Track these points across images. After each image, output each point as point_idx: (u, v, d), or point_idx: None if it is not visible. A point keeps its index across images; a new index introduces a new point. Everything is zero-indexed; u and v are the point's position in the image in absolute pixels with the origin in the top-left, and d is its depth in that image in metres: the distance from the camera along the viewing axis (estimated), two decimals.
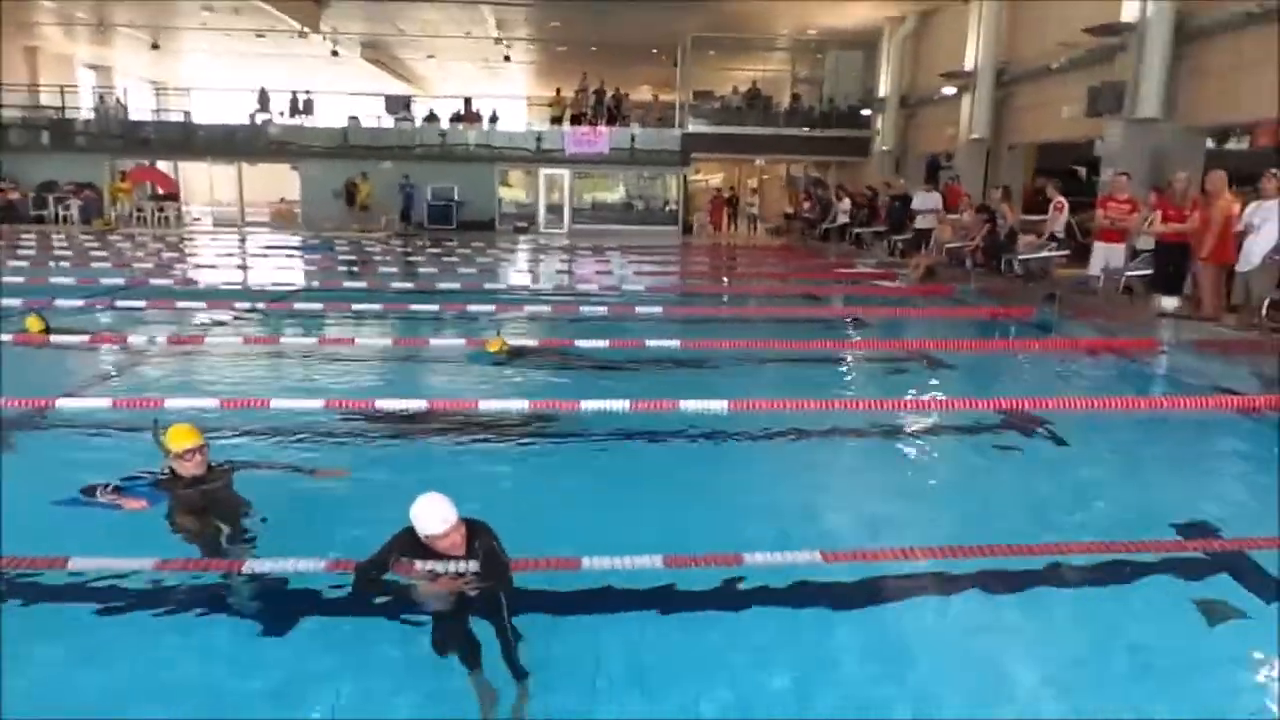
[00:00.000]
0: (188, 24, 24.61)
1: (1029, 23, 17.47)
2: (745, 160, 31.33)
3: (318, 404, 6.43)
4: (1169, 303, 9.81)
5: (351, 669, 3.32)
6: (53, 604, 3.76)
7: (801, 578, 3.97)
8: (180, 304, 11.29)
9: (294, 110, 27.10)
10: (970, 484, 5.73)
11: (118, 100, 27.99)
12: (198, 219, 28.56)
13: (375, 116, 27.02)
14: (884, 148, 24.16)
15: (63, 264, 16.21)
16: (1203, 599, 3.84)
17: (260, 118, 26.72)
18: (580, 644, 3.49)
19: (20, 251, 17.45)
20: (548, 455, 5.89)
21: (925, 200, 16.83)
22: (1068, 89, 15.30)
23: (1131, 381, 8.42)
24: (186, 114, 27.89)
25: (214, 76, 32.25)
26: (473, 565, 3.49)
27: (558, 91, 28.12)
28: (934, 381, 8.31)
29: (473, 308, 11.18)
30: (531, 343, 8.98)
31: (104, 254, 17.86)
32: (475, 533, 3.53)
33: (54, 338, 8.58)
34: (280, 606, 3.75)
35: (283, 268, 17.59)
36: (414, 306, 11.19)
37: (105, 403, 6.45)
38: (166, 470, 4.40)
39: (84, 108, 27.82)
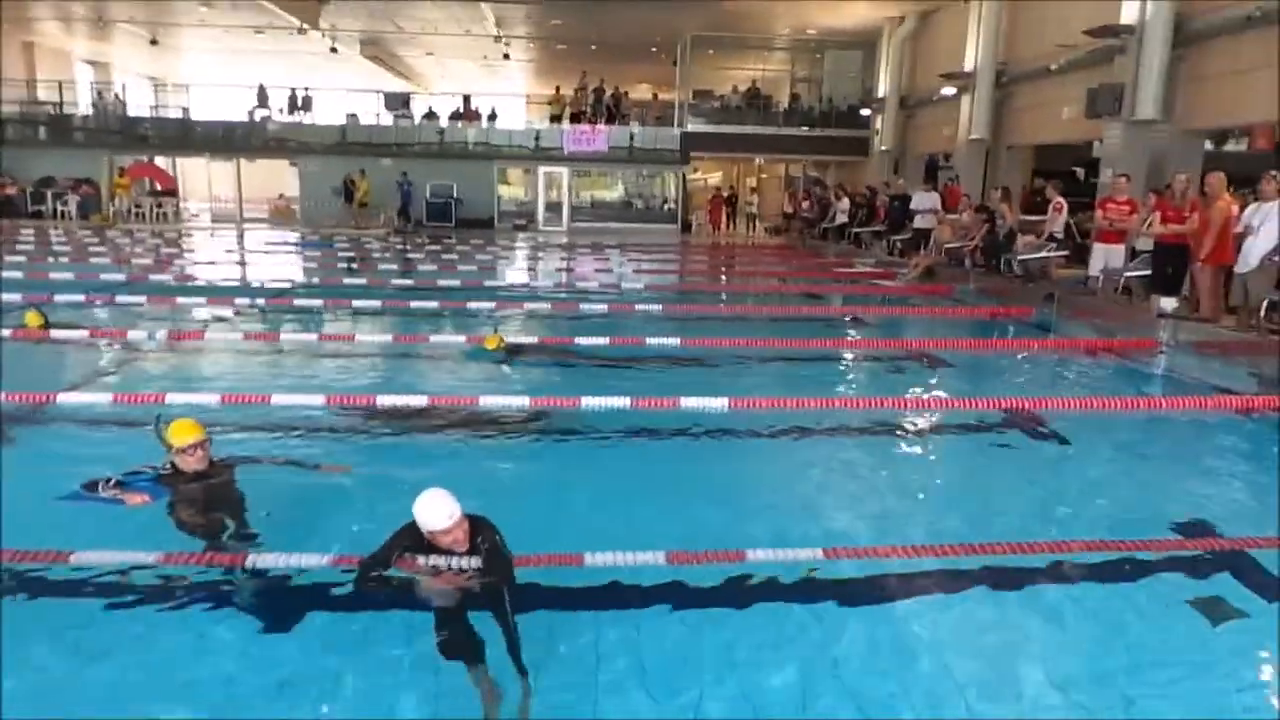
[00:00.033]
0: (186, 20, 24.59)
1: (1028, 24, 17.49)
2: (744, 159, 31.38)
3: (318, 400, 6.43)
4: (1167, 303, 9.83)
5: (355, 665, 3.32)
6: (55, 599, 3.76)
7: (803, 574, 3.98)
8: (180, 300, 11.29)
9: (293, 107, 27.08)
10: (970, 482, 5.74)
11: (116, 96, 27.96)
12: (196, 215, 28.52)
13: (374, 114, 27.01)
14: (883, 148, 24.19)
15: (62, 259, 16.18)
16: (1204, 598, 3.86)
17: (259, 114, 26.70)
18: (583, 640, 3.49)
19: (19, 247, 17.41)
20: (550, 452, 5.89)
21: (924, 200, 16.85)
22: (1067, 90, 15.33)
23: (1131, 381, 8.45)
24: (185, 110, 27.86)
25: (213, 73, 32.22)
26: (475, 561, 3.50)
27: (557, 89, 28.12)
28: (934, 380, 8.33)
29: (472, 305, 11.18)
30: (531, 340, 8.98)
31: (103, 250, 17.84)
32: (478, 528, 3.54)
33: (54, 333, 8.58)
34: (283, 602, 3.75)
35: (282, 264, 17.57)
36: (413, 304, 11.18)
37: (106, 398, 6.46)
38: (168, 465, 4.40)
39: (82, 103, 27.78)
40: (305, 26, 24.05)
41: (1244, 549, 4.31)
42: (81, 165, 25.29)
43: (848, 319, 11.68)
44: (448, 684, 3.15)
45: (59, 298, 10.39)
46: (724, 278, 17.73)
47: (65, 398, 6.48)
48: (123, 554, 3.88)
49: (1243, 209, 9.11)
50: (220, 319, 10.41)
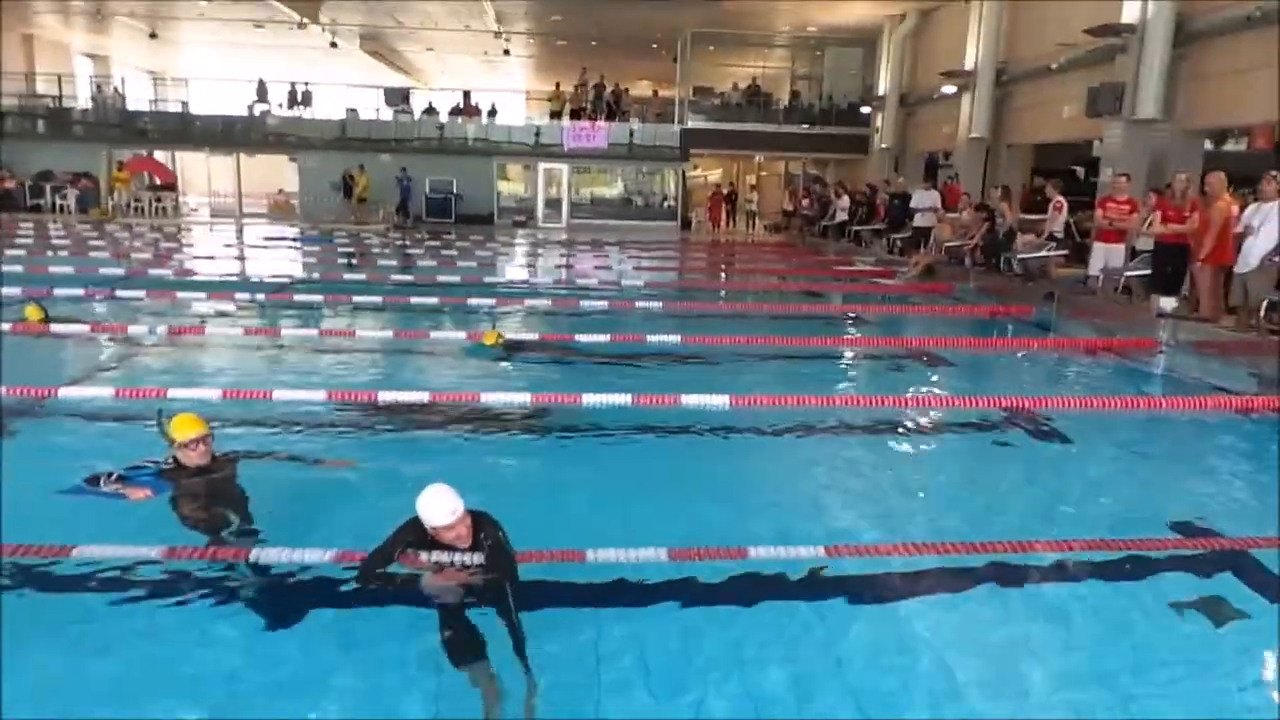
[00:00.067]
0: (186, 14, 24.56)
1: (1029, 23, 17.48)
2: (744, 156, 31.35)
3: (320, 395, 6.43)
4: (1167, 303, 9.83)
5: (357, 661, 3.32)
6: (56, 594, 3.76)
7: (805, 571, 3.99)
8: (180, 294, 11.28)
9: (292, 102, 27.05)
10: (970, 480, 5.75)
11: (115, 89, 27.89)
12: (195, 210, 28.47)
13: (374, 109, 26.97)
14: (883, 145, 24.18)
15: (61, 253, 16.15)
16: (1205, 597, 3.87)
17: (258, 109, 26.67)
18: (583, 637, 3.49)
19: (18, 240, 17.38)
20: (551, 448, 5.89)
21: (923, 199, 16.86)
22: (1067, 89, 15.33)
23: (1130, 381, 8.46)
24: (184, 104, 27.84)
25: (212, 67, 32.12)
26: (478, 557, 3.50)
27: (557, 86, 28.10)
28: (934, 379, 8.34)
29: (472, 301, 11.18)
30: (531, 336, 8.98)
31: (102, 244, 17.81)
32: (481, 525, 3.54)
33: (54, 327, 8.57)
34: (286, 598, 3.75)
35: (281, 260, 17.56)
36: (413, 299, 11.18)
37: (108, 392, 6.44)
38: (171, 460, 4.41)
39: (81, 97, 27.73)
40: (305, 21, 24.03)
41: (1245, 549, 4.32)
42: (80, 159, 25.25)
43: (848, 317, 11.68)
44: (450, 681, 3.15)
45: (58, 291, 10.39)
46: (724, 275, 17.73)
47: (66, 392, 6.48)
48: (125, 549, 3.88)
49: (1243, 209, 9.12)
50: (221, 314, 10.40)
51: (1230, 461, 6.07)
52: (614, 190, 29.28)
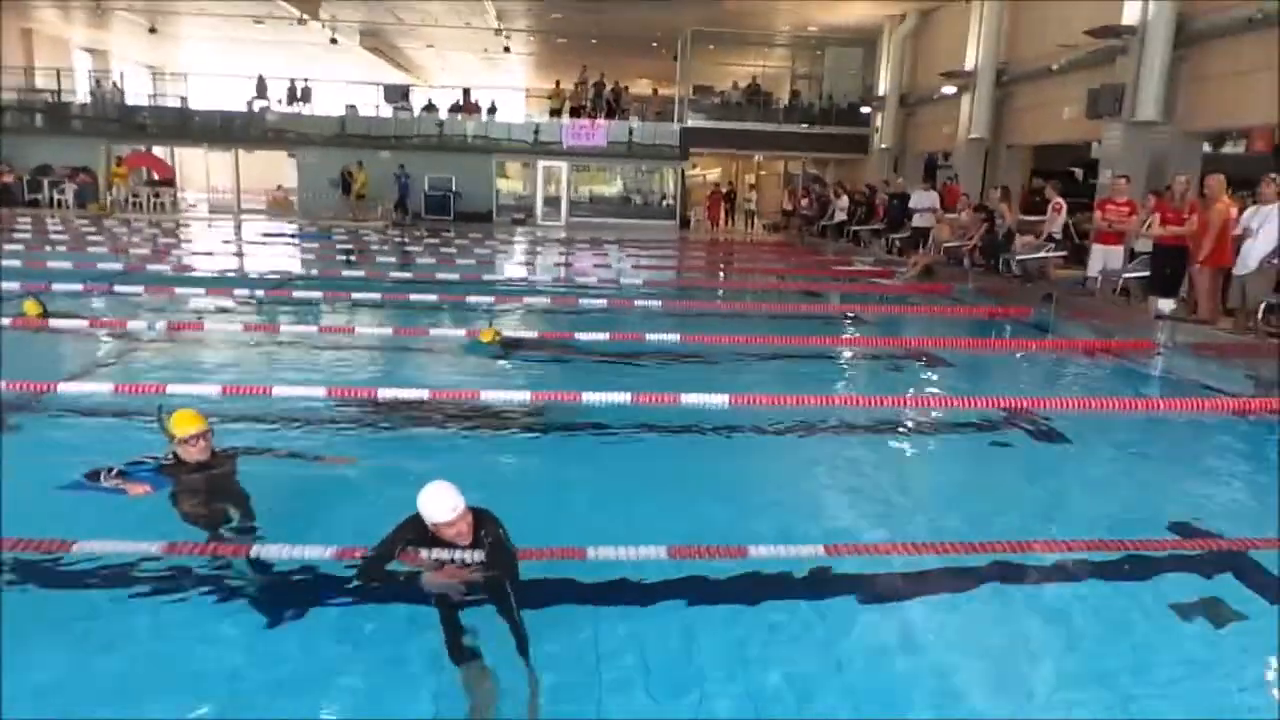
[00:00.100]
0: (186, 8, 24.49)
1: (1029, 23, 17.49)
2: (744, 156, 31.33)
3: (320, 392, 6.43)
4: (1165, 305, 9.84)
5: (357, 658, 3.32)
6: (58, 590, 3.75)
7: (806, 571, 3.99)
8: (179, 290, 11.26)
9: (292, 98, 27.01)
10: (969, 480, 5.75)
11: (114, 84, 27.83)
12: (193, 206, 28.43)
13: (373, 106, 26.94)
14: (883, 146, 24.18)
15: (59, 248, 16.12)
16: (1204, 598, 3.88)
17: (258, 105, 26.63)
18: (583, 635, 3.49)
19: (16, 235, 17.35)
20: (551, 446, 5.89)
21: (922, 199, 16.86)
22: (1067, 90, 15.34)
23: (1129, 382, 8.47)
24: (183, 100, 27.77)
25: (211, 62, 32.06)
26: (479, 555, 3.50)
27: (557, 84, 28.08)
28: (933, 379, 8.35)
29: (471, 298, 11.17)
30: (530, 334, 8.98)
31: (100, 239, 17.78)
32: (482, 522, 3.54)
33: (52, 322, 8.56)
34: (286, 594, 3.74)
35: (280, 256, 17.53)
36: (413, 296, 11.17)
37: (107, 388, 6.43)
38: (170, 456, 4.40)
39: (80, 91, 27.67)
40: (305, 17, 23.97)
41: (1244, 549, 4.33)
42: (79, 154, 25.21)
43: (847, 317, 11.68)
44: (451, 680, 3.15)
45: (57, 286, 10.37)
46: (723, 274, 17.73)
47: (66, 387, 6.48)
48: (125, 544, 3.88)
49: (1241, 211, 9.13)
50: (220, 310, 10.39)
51: (1229, 462, 6.08)
52: (613, 189, 29.28)
